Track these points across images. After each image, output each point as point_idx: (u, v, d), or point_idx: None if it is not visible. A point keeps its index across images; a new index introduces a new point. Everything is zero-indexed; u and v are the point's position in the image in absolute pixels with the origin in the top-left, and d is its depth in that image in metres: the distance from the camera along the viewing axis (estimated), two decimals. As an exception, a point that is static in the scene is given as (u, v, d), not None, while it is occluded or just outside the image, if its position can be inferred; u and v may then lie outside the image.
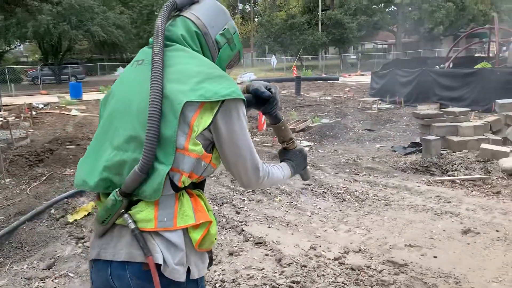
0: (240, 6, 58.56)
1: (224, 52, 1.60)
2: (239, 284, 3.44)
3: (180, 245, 1.38)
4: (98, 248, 1.44)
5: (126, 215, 1.37)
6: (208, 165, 1.45)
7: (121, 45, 36.95)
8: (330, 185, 6.04)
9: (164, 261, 1.36)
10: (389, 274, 3.58)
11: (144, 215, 1.37)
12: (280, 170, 1.67)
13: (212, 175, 6.02)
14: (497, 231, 4.43)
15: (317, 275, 3.49)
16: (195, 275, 1.45)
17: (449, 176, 6.37)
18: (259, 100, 1.62)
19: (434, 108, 12.24)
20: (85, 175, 1.46)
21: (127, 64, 1.74)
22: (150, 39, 1.55)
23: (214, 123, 1.39)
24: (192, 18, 1.53)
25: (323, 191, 5.79)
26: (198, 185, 1.53)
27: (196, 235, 1.42)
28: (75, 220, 4.81)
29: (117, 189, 1.37)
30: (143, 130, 1.34)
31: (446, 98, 13.83)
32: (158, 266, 1.35)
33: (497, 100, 8.84)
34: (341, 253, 3.96)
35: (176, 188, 1.38)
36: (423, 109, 11.90)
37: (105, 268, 1.42)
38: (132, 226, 1.36)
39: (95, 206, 1.66)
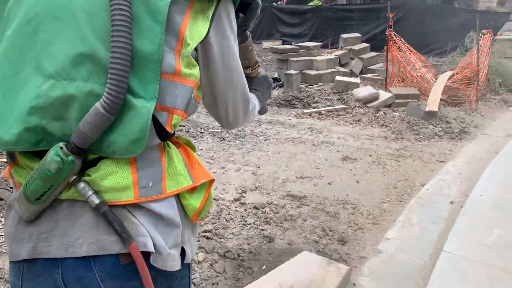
0: None
1: None
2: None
3: (174, 219, 0.94)
4: (32, 242, 0.89)
5: (81, 184, 0.86)
6: (194, 98, 0.99)
7: None
8: (206, 124, 5.73)
9: (155, 246, 0.91)
10: (292, 208, 3.54)
11: (115, 180, 0.87)
12: (256, 103, 1.31)
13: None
14: (370, 155, 4.77)
15: (226, 220, 3.24)
16: (189, 256, 1.03)
17: (313, 108, 6.64)
18: (239, 5, 1.18)
19: (278, 45, 12.62)
20: None
21: None
22: None
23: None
24: None
25: (200, 132, 5.45)
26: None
27: (195, 202, 0.98)
28: None
29: (61, 144, 0.84)
30: (103, 44, 0.81)
31: (288, 35, 14.45)
32: (145, 255, 0.90)
33: (341, 35, 9.45)
34: (239, 193, 3.77)
35: (164, 136, 0.91)
36: (268, 45, 12.17)
37: (51, 270, 0.89)
38: (96, 200, 0.85)
39: (11, 175, 0.98)
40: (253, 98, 1.27)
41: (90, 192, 0.85)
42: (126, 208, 0.89)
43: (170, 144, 0.97)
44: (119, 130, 0.83)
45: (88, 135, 0.81)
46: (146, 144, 0.84)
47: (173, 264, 0.93)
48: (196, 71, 0.91)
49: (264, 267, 2.70)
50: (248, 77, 1.43)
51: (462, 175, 4.21)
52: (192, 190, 0.98)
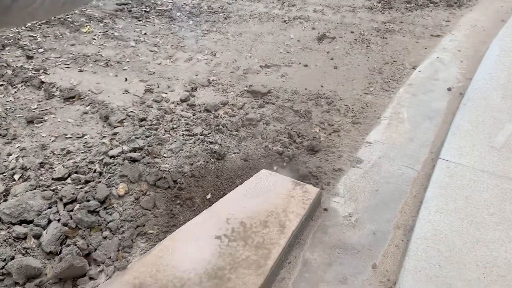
0: None
1: None
2: (52, 166, 2.29)
3: None
4: None
5: None
6: None
7: None
8: (153, 1, 4.68)
9: None
10: (254, 108, 2.81)
11: None
12: None
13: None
14: (352, 32, 3.92)
15: (165, 130, 2.53)
16: None
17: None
18: None
19: None
20: None
21: None
22: None
23: None
24: None
25: (145, 11, 4.44)
26: None
27: None
28: None
29: None
30: None
31: None
32: None
33: None
34: (188, 91, 3.00)
35: None
36: None
37: None
38: None
39: None
40: None
41: None
42: None
43: None
44: None
45: None
46: None
47: None
48: None
49: (209, 196, 2.06)
50: None
51: (462, 52, 3.45)
52: None
